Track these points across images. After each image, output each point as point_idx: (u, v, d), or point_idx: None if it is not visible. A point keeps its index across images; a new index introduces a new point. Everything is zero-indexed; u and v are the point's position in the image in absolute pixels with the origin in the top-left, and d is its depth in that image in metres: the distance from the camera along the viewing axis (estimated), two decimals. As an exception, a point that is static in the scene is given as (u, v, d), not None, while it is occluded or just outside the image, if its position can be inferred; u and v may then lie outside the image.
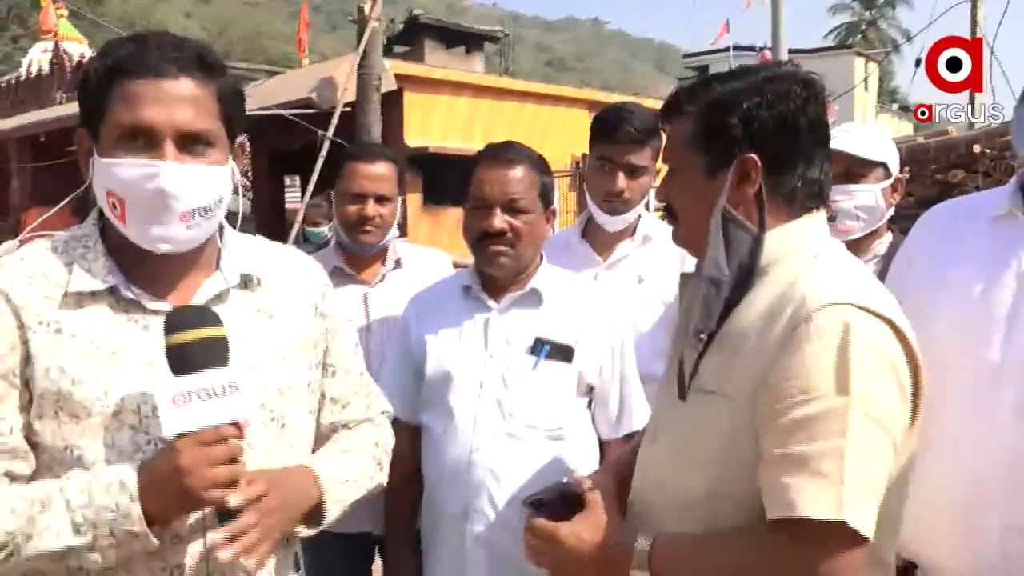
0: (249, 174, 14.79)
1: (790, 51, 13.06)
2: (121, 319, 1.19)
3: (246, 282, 1.29)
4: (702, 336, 1.19)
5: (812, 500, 1.04)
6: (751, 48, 26.82)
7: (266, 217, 13.87)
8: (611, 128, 2.20)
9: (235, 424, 1.13)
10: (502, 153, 1.88)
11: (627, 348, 1.91)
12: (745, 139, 1.19)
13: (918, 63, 13.58)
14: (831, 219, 1.93)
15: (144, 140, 1.17)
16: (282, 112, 9.69)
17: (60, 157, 13.70)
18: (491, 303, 1.88)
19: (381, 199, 2.35)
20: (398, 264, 2.45)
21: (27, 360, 1.13)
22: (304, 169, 14.06)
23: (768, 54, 18.18)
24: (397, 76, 10.62)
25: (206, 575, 1.11)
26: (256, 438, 1.21)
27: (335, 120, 9.02)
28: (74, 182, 14.25)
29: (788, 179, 1.21)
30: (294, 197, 15.17)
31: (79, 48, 18.22)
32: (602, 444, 1.93)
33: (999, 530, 1.32)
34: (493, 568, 1.77)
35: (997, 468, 1.32)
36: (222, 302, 1.26)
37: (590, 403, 1.91)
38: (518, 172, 1.84)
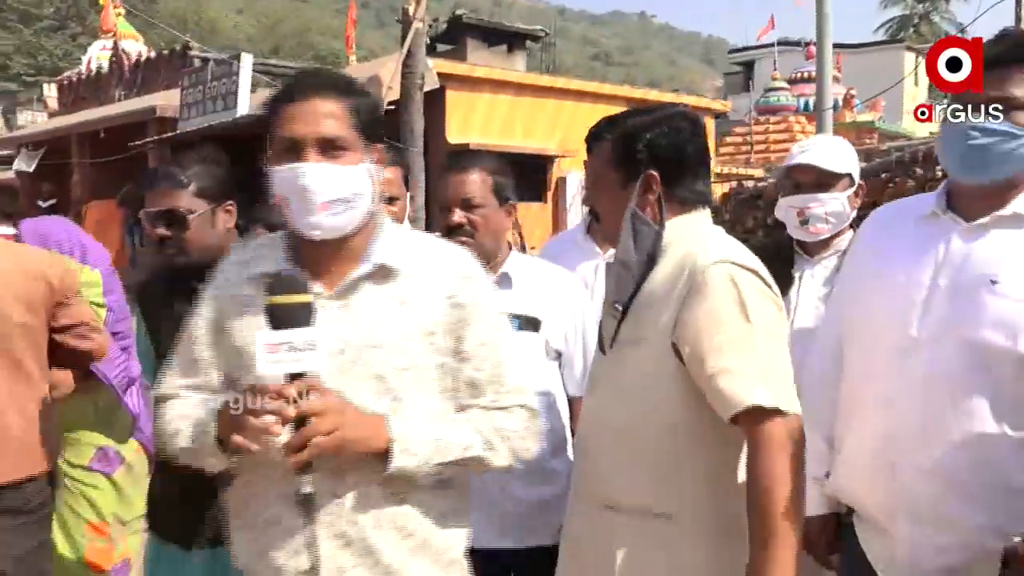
0: (297, 169, 15.25)
1: (835, 46, 12.94)
2: None
3: (384, 272, 1.51)
4: (617, 306, 1.59)
5: (752, 394, 1.42)
6: (797, 43, 26.56)
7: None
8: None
9: (299, 376, 1.38)
10: (459, 162, 2.23)
11: (588, 319, 2.19)
12: (649, 160, 1.60)
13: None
14: (804, 223, 2.20)
15: (294, 149, 1.47)
16: (329, 110, 10.01)
17: (119, 152, 14.32)
18: None
19: (391, 200, 2.61)
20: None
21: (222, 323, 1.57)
22: (350, 164, 14.45)
23: (814, 49, 18.10)
24: (440, 75, 10.90)
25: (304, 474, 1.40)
26: (370, 406, 1.45)
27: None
28: (128, 177, 14.90)
29: (679, 188, 1.63)
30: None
31: (136, 46, 18.88)
32: (571, 400, 2.21)
33: (909, 473, 1.58)
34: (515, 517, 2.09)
35: (910, 425, 1.58)
36: (358, 288, 1.51)
37: (561, 367, 2.21)
38: (472, 176, 2.14)
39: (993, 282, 1.53)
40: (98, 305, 2.71)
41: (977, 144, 1.57)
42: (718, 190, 12.49)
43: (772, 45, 23.93)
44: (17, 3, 44.63)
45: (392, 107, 9.55)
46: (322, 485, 1.41)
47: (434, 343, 1.50)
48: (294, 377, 1.37)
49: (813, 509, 1.76)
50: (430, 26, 10.27)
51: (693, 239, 1.57)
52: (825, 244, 2.30)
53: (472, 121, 11.67)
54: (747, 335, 1.46)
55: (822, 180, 2.25)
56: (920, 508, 1.57)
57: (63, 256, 2.60)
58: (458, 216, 2.12)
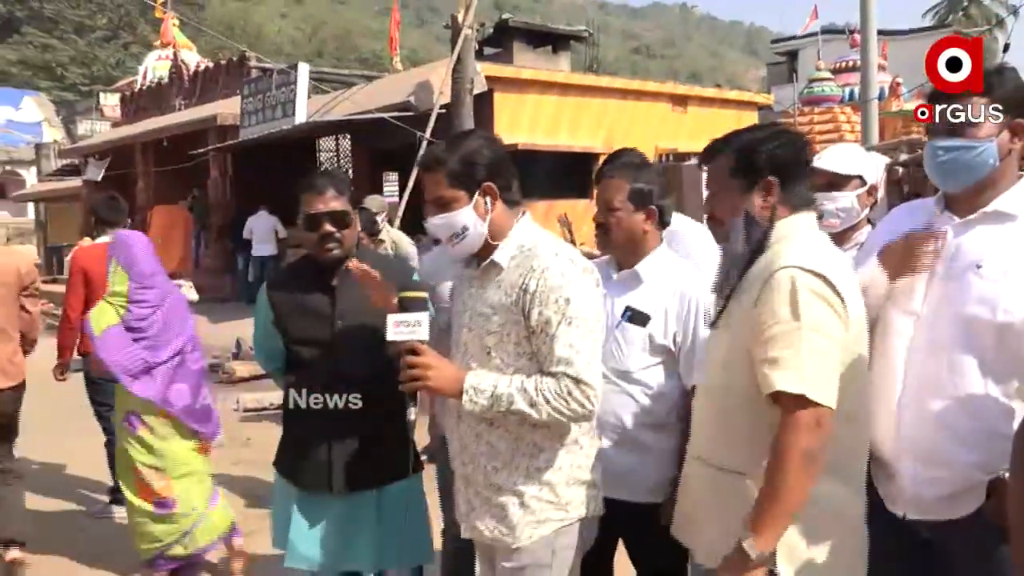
0: (350, 172, 15.73)
1: (880, 33, 12.87)
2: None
3: (495, 267, 2.07)
4: (723, 291, 1.95)
5: (782, 380, 1.72)
6: (841, 31, 26.29)
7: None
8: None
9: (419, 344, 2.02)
10: (603, 170, 2.53)
11: (697, 321, 2.41)
12: (769, 168, 1.91)
13: (1006, 48, 13.36)
14: (819, 217, 2.54)
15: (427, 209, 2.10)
16: (383, 115, 10.42)
17: (180, 160, 14.96)
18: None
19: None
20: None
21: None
22: (402, 167, 14.93)
23: (858, 37, 17.96)
24: (487, 78, 11.25)
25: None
26: (474, 355, 2.07)
27: (432, 122, 9.72)
28: (190, 184, 15.51)
29: (791, 193, 1.93)
30: (392, 192, 16.07)
31: (193, 56, 19.59)
32: (686, 390, 2.42)
33: (913, 421, 1.94)
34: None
35: (914, 382, 1.94)
36: (485, 275, 2.07)
37: (668, 360, 2.44)
38: (613, 181, 2.45)
39: (978, 267, 1.88)
40: (121, 306, 3.65)
41: (942, 160, 1.93)
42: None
43: (816, 34, 23.71)
44: (72, 15, 46.12)
45: (443, 111, 9.98)
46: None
47: (511, 316, 2.01)
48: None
49: None
50: (477, 31, 10.61)
51: (789, 240, 1.86)
52: (845, 237, 2.62)
53: (519, 122, 11.99)
54: (793, 331, 1.73)
55: (833, 181, 2.59)
56: (921, 450, 1.92)
57: (32, 256, 4.15)
58: (599, 217, 2.50)
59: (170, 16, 20.17)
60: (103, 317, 3.63)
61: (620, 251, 2.49)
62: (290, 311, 2.57)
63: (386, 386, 2.12)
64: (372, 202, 6.18)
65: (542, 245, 2.05)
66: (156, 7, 20.60)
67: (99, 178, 17.04)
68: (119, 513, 4.79)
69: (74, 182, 20.25)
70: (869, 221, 2.67)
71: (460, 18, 10.04)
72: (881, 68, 15.58)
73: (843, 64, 22.04)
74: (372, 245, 4.68)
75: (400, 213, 9.55)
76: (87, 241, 5.40)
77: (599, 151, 12.33)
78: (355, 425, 2.51)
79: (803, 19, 26.15)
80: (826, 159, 2.63)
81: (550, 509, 2.04)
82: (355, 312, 2.48)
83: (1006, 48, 12.48)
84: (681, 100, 14.29)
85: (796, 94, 21.30)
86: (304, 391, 2.53)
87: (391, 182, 16.33)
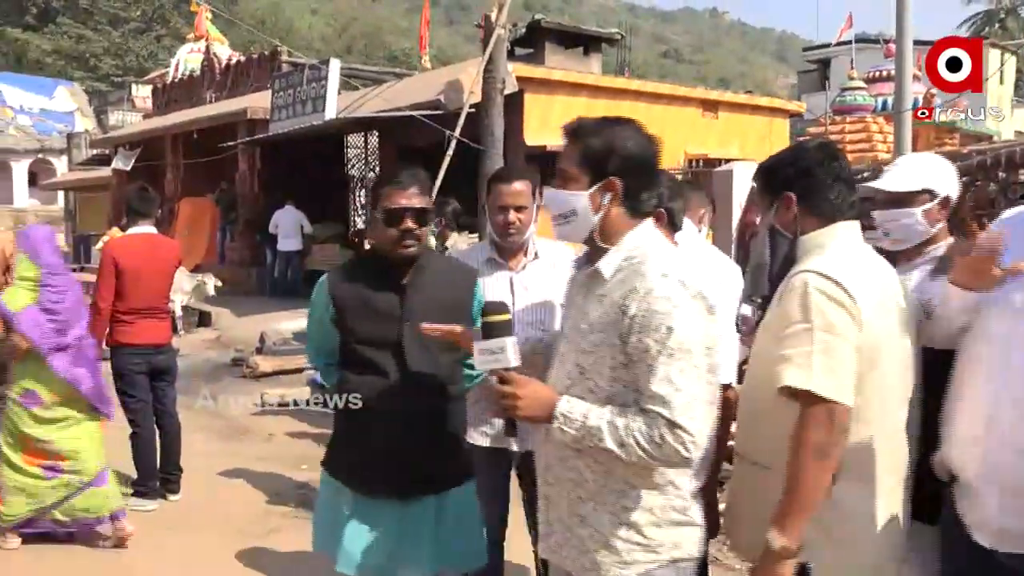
0: (376, 169, 15.74)
1: (916, 43, 12.68)
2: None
3: (593, 275, 1.91)
4: (755, 299, 2.03)
5: (790, 376, 1.85)
6: (875, 40, 25.99)
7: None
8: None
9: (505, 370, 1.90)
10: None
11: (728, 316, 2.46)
12: (788, 183, 2.09)
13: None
14: (885, 234, 2.45)
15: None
16: (412, 113, 10.38)
17: (210, 153, 15.02)
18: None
19: (519, 208, 2.98)
20: (536, 256, 3.07)
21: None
22: (430, 165, 14.87)
23: (892, 47, 17.71)
24: (518, 78, 11.16)
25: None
26: (569, 372, 1.92)
27: (462, 121, 9.66)
28: (218, 176, 15.56)
29: (815, 205, 2.08)
30: (418, 191, 16.04)
31: (225, 50, 19.68)
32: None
33: (1003, 449, 1.82)
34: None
35: (1006, 410, 1.83)
36: (586, 282, 1.94)
37: None
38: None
39: None
40: (31, 289, 4.11)
41: None
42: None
43: (849, 42, 23.45)
44: (107, 6, 46.58)
45: (472, 110, 9.92)
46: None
47: (607, 336, 1.84)
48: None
49: None
50: (509, 31, 10.54)
51: (820, 250, 1.99)
52: (918, 252, 2.49)
53: (549, 123, 11.88)
54: (804, 331, 1.85)
55: (896, 199, 2.47)
56: (1010, 479, 1.82)
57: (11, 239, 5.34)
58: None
59: (204, 9, 20.28)
60: (18, 297, 4.10)
61: None
62: (355, 308, 2.48)
63: (449, 389, 2.07)
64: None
65: (651, 261, 1.84)
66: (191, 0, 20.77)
67: (128, 168, 17.14)
68: (141, 506, 4.78)
69: (104, 172, 20.42)
70: (952, 233, 2.54)
71: (493, 17, 9.98)
72: (916, 79, 15.33)
73: (877, 73, 21.79)
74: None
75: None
76: (116, 231, 5.43)
77: (628, 155, 12.15)
78: (419, 429, 2.44)
79: (834, 28, 25.86)
80: (885, 178, 2.52)
81: (638, 551, 1.87)
82: (424, 313, 2.39)
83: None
84: (712, 105, 14.13)
85: (828, 102, 21.13)
86: (366, 391, 2.46)
87: (418, 180, 16.39)
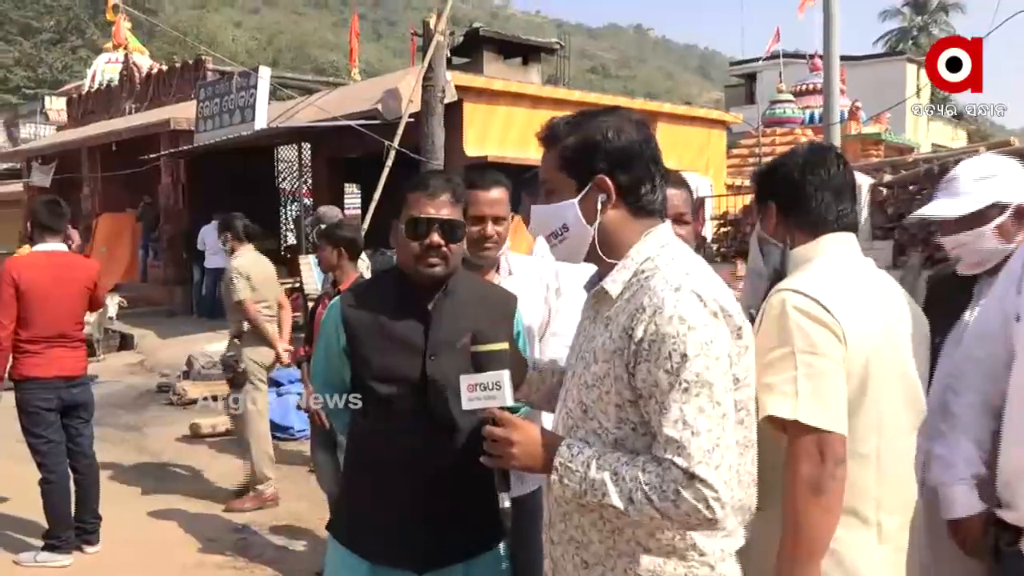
0: (308, 182, 15.18)
1: (841, 58, 12.93)
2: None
3: (598, 295, 1.61)
4: (751, 311, 1.78)
5: (773, 406, 1.62)
6: (801, 56, 26.59)
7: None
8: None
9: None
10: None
11: None
12: (769, 195, 1.95)
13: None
14: (957, 261, 2.25)
15: None
16: (350, 122, 9.95)
17: (129, 166, 14.25)
18: None
19: (497, 219, 2.61)
20: (510, 272, 2.69)
21: None
22: (365, 177, 14.45)
23: (819, 61, 18.12)
24: (457, 87, 10.86)
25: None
26: (571, 410, 1.61)
27: (400, 130, 9.29)
28: (138, 190, 14.80)
29: (800, 218, 1.88)
30: (353, 204, 15.56)
31: (146, 60, 18.82)
32: None
33: None
34: None
35: None
36: (595, 306, 1.64)
37: None
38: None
39: None
40: None
41: None
42: (726, 203, 12.46)
43: (776, 57, 23.94)
44: (18, 16, 44.64)
45: (411, 119, 9.56)
46: None
47: (612, 370, 1.52)
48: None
49: (965, 510, 1.96)
50: (447, 39, 10.21)
51: (801, 267, 1.82)
52: (998, 269, 2.16)
53: (489, 134, 11.61)
54: (786, 356, 1.64)
55: (960, 221, 2.18)
56: None
57: None
58: None
59: (122, 17, 19.39)
60: None
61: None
62: (371, 337, 2.06)
63: (481, 439, 1.68)
64: (328, 212, 5.71)
65: (662, 272, 1.52)
66: (107, 8, 19.85)
67: (48, 184, 16.19)
68: (52, 561, 4.21)
69: (15, 187, 19.31)
70: None
71: (432, 24, 9.66)
72: (841, 92, 15.62)
73: (804, 87, 22.28)
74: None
75: (365, 226, 9.06)
76: (27, 249, 4.83)
77: (570, 166, 11.97)
78: (444, 485, 2.00)
79: (755, 46, 26.43)
80: (940, 202, 2.21)
81: None
82: (453, 345, 2.00)
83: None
84: (652, 117, 14.05)
85: (759, 115, 21.45)
86: (381, 439, 2.03)
87: (353, 194, 15.88)
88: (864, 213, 9.04)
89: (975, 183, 2.18)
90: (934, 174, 8.22)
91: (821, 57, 14.26)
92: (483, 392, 1.61)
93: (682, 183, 2.51)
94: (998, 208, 2.15)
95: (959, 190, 2.20)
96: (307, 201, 15.57)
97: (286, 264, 13.50)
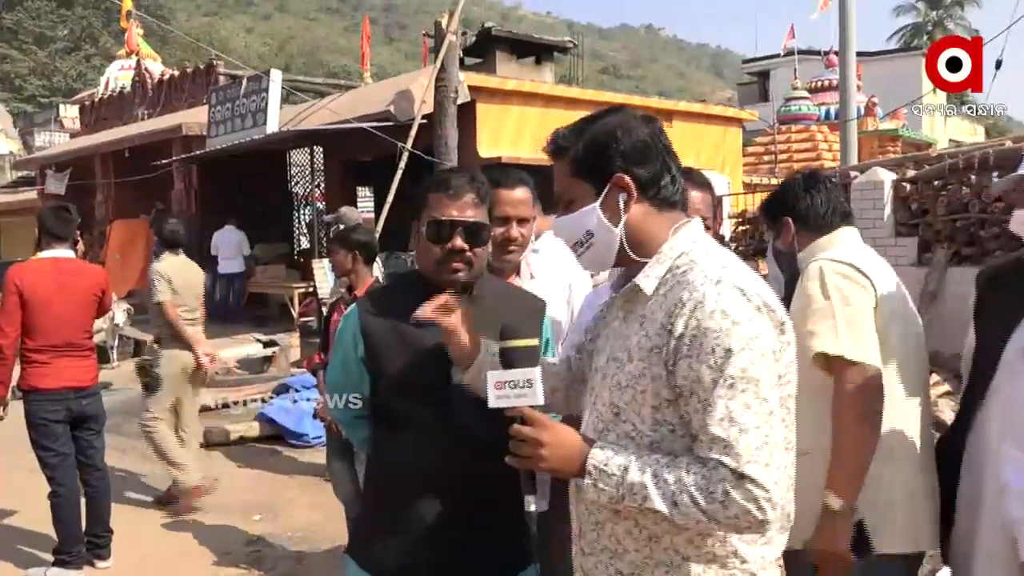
0: (321, 186, 15.11)
1: (857, 54, 12.78)
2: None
3: (632, 292, 1.53)
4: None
5: (821, 344, 2.01)
6: (815, 52, 26.34)
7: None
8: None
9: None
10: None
11: None
12: (784, 212, 2.37)
13: (998, 65, 13.24)
14: None
15: None
16: (362, 125, 9.85)
17: (142, 171, 14.22)
18: None
19: (522, 221, 2.48)
20: (531, 276, 2.55)
21: None
22: (377, 180, 14.36)
23: (834, 58, 17.91)
24: (470, 88, 10.74)
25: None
26: (601, 413, 1.53)
27: (414, 132, 9.18)
28: (151, 196, 14.77)
29: (810, 225, 2.30)
30: (366, 207, 15.47)
31: (158, 66, 18.83)
32: None
33: None
34: None
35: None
36: (628, 301, 1.55)
37: None
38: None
39: None
40: None
41: None
42: (744, 201, 12.27)
43: (791, 54, 23.73)
44: (33, 25, 44.93)
45: (424, 121, 9.45)
46: None
47: (649, 369, 1.45)
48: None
49: None
50: (460, 39, 10.10)
51: (821, 251, 2.22)
52: None
53: (502, 134, 11.50)
54: (826, 307, 2.04)
55: None
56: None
57: None
58: None
59: (135, 24, 19.42)
60: None
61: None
62: (391, 346, 1.92)
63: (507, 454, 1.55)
64: (350, 214, 5.61)
65: (701, 266, 1.45)
66: (121, 16, 19.88)
67: (62, 191, 16.18)
68: (63, 576, 4.10)
69: (30, 194, 19.34)
70: None
71: (444, 24, 9.55)
72: (857, 88, 15.44)
73: (819, 83, 22.05)
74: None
75: (379, 228, 8.95)
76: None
77: (585, 166, 11.84)
78: (473, 505, 1.86)
79: (765, 44, 26.23)
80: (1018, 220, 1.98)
81: None
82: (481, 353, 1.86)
83: (998, 64, 12.21)
84: (667, 115, 13.89)
85: (774, 112, 21.23)
86: (403, 455, 1.89)
87: (366, 197, 15.80)
88: (887, 210, 8.84)
89: None
90: (959, 169, 8.02)
91: (836, 53, 14.13)
92: (512, 390, 1.51)
93: (705, 185, 2.43)
94: None
95: None
96: (320, 205, 15.51)
97: (299, 268, 13.44)
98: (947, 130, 30.17)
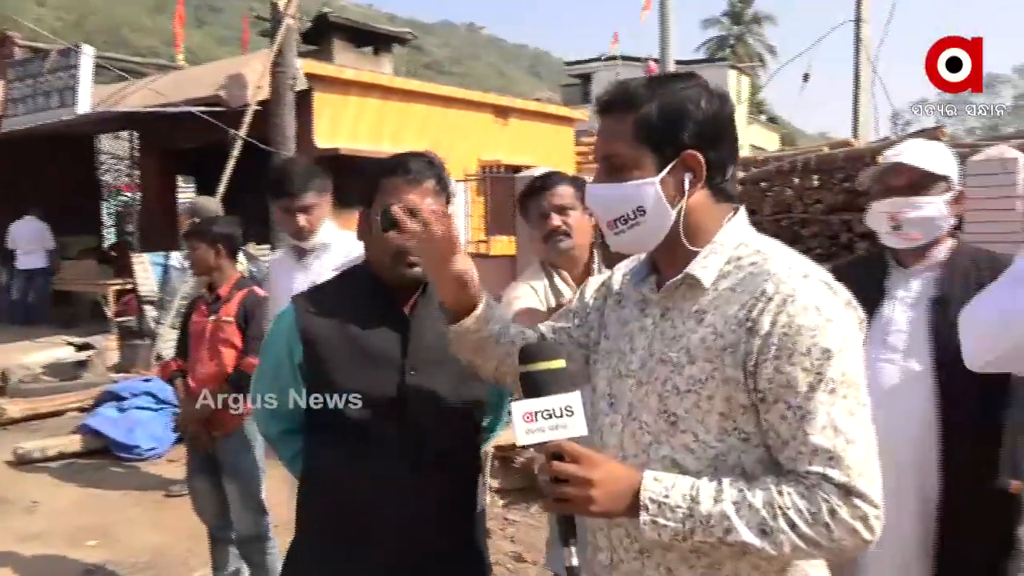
0: (135, 174, 13.98)
1: (676, 62, 13.47)
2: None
3: (690, 284, 1.33)
4: None
5: None
6: (637, 59, 27.55)
7: (154, 218, 13.11)
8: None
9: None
10: None
11: None
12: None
13: (806, 78, 14.41)
14: (896, 228, 2.01)
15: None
16: (190, 109, 9.15)
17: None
18: None
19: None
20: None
21: None
22: (202, 169, 13.42)
23: (653, 65, 18.81)
24: (307, 75, 10.28)
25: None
26: (650, 424, 1.33)
27: (248, 119, 8.64)
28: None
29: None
30: (188, 199, 14.44)
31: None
32: None
33: None
34: None
35: None
36: (672, 297, 1.36)
37: None
38: None
39: None
40: None
41: None
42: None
43: (614, 58, 24.70)
44: None
45: (259, 108, 8.91)
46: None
47: (718, 371, 1.27)
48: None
49: None
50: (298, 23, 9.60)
51: None
52: (920, 255, 2.11)
53: (340, 124, 11.10)
54: None
55: (917, 182, 2.07)
56: None
57: None
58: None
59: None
60: None
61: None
62: (337, 350, 1.68)
63: (467, 470, 1.35)
64: (208, 204, 5.17)
65: (777, 258, 1.30)
66: None
67: None
68: None
69: None
70: (952, 235, 2.18)
71: (281, 6, 9.04)
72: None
73: (639, 87, 23.11)
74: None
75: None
76: None
77: (424, 160, 11.69)
78: (430, 527, 1.65)
79: (587, 48, 27.25)
80: (908, 153, 2.07)
81: None
82: (436, 356, 1.66)
83: (806, 78, 13.25)
84: (503, 111, 13.99)
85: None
86: (347, 473, 1.65)
87: (187, 188, 14.75)
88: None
89: (929, 152, 2.12)
90: (784, 172, 8.59)
91: (656, 61, 14.84)
92: (547, 421, 1.25)
93: (571, 180, 2.52)
94: (947, 183, 2.08)
95: (924, 151, 2.12)
96: (128, 196, 14.35)
97: (112, 263, 12.33)
98: (748, 136, 32.51)
